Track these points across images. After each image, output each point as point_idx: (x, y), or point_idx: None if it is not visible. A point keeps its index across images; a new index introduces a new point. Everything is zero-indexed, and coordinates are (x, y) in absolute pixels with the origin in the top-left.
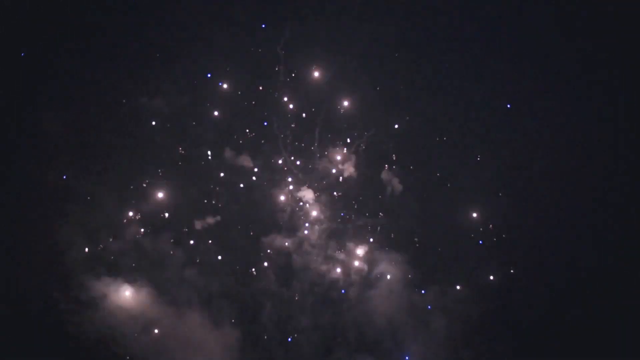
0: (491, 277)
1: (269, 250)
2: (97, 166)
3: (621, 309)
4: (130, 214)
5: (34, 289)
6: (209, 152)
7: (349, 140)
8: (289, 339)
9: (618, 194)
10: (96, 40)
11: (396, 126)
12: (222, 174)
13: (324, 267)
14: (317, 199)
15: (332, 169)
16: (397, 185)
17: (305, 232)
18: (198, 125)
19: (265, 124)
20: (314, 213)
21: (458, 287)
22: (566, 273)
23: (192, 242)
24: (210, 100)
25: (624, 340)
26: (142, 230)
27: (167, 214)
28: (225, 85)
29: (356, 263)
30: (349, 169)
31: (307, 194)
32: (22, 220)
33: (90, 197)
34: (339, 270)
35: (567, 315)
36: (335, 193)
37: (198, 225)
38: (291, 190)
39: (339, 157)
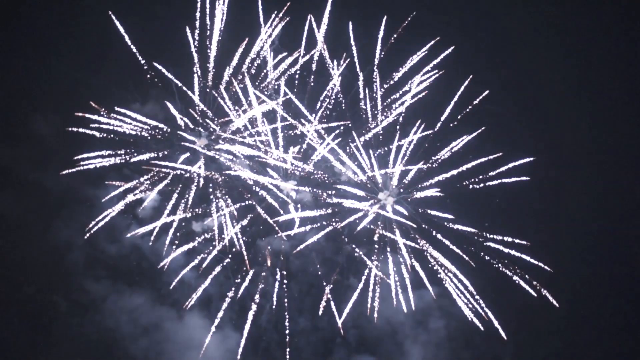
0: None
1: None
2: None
3: (622, 310)
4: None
5: (35, 291)
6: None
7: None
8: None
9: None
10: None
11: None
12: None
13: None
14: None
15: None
16: None
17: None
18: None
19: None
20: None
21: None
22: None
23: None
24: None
25: (623, 341)
26: (142, 232)
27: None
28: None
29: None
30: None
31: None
32: (22, 224)
33: (90, 200)
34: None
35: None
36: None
37: (197, 227)
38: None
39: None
